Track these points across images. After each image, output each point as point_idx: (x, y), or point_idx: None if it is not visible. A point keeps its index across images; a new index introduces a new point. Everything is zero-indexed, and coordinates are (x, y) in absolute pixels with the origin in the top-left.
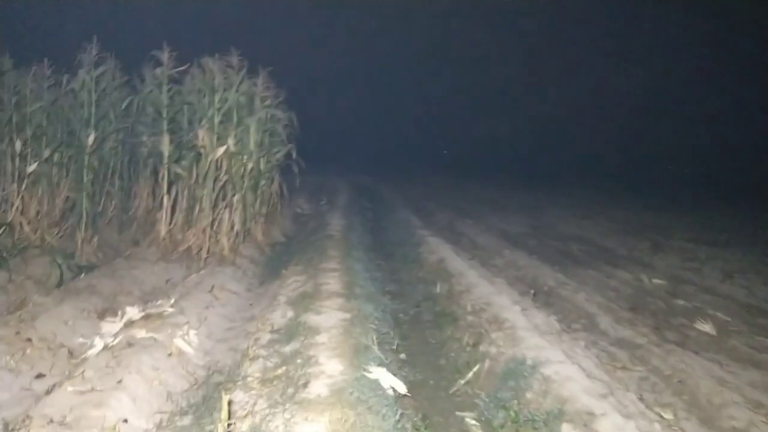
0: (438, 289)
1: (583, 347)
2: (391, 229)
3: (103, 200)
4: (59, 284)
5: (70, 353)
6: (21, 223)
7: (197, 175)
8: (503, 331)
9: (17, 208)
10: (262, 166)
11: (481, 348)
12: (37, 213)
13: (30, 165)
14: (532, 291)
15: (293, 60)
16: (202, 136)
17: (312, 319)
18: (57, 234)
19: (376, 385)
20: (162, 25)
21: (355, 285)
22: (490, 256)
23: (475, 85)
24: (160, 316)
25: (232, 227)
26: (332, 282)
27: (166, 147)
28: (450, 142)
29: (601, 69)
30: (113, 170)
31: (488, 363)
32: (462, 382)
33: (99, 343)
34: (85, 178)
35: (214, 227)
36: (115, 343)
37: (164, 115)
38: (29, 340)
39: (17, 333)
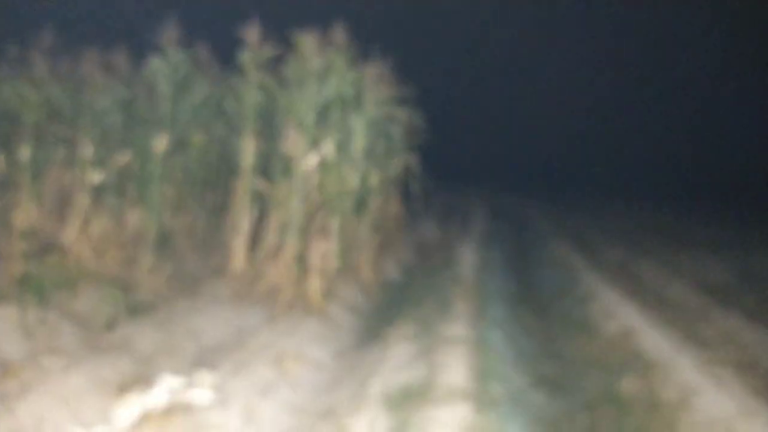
0: (626, 386)
1: None
2: (543, 268)
3: (189, 219)
4: (109, 326)
5: None
6: (81, 246)
7: (285, 192)
8: None
9: (78, 226)
10: (372, 182)
11: None
12: (105, 234)
13: (95, 174)
14: None
15: (424, 49)
16: (290, 139)
17: None
18: (123, 260)
19: None
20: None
21: (492, 375)
22: (692, 321)
23: (638, 93)
24: (188, 409)
25: (326, 262)
26: (455, 366)
27: (248, 154)
28: (608, 157)
29: None
30: (204, 182)
31: None
32: None
33: None
34: (155, 192)
35: (303, 261)
36: None
37: (248, 113)
38: None
39: None
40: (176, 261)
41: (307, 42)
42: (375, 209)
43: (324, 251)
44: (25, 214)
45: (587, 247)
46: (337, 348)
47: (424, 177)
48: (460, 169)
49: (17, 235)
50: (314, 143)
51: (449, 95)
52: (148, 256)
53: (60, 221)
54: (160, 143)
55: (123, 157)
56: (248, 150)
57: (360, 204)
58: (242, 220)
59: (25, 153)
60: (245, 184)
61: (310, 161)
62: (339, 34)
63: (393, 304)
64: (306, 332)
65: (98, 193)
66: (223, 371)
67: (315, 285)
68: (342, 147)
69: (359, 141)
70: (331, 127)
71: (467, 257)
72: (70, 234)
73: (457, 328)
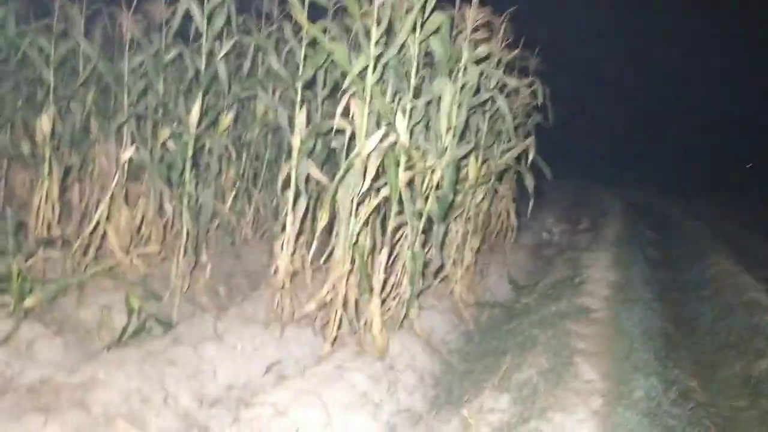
0: None
1: None
2: (703, 296)
3: (252, 208)
4: (110, 345)
5: None
6: (106, 235)
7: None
8: None
9: (104, 213)
10: (470, 171)
11: None
12: (138, 225)
13: (127, 151)
14: None
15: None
16: (348, 111)
17: None
18: (159, 256)
19: None
20: None
21: None
22: None
23: None
24: None
25: (395, 283)
26: None
27: (299, 131)
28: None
29: None
30: (269, 163)
31: None
32: None
33: None
34: (187, 175)
35: (364, 277)
36: None
37: (298, 76)
38: None
39: None
40: (233, 259)
41: None
42: (475, 207)
43: (387, 268)
44: (39, 198)
45: (757, 263)
46: (389, 419)
47: (543, 164)
48: (585, 156)
49: (19, 225)
50: (382, 117)
51: (580, 66)
52: (178, 256)
53: (86, 208)
54: (192, 115)
55: (164, 131)
56: (299, 126)
57: (447, 200)
58: (288, 217)
59: (45, 123)
60: (292, 169)
61: (372, 142)
62: None
63: (490, 340)
64: (348, 388)
65: (135, 174)
66: None
67: (375, 311)
68: (424, 123)
69: (447, 115)
70: (405, 95)
71: (598, 273)
72: (93, 223)
73: (580, 420)
